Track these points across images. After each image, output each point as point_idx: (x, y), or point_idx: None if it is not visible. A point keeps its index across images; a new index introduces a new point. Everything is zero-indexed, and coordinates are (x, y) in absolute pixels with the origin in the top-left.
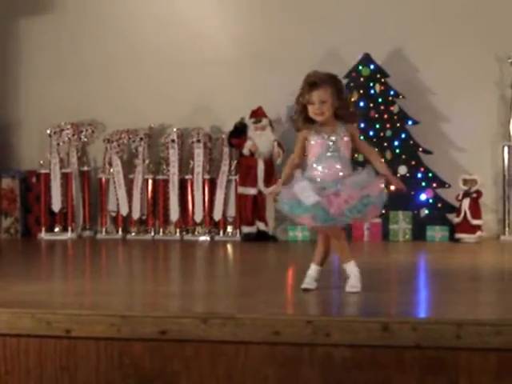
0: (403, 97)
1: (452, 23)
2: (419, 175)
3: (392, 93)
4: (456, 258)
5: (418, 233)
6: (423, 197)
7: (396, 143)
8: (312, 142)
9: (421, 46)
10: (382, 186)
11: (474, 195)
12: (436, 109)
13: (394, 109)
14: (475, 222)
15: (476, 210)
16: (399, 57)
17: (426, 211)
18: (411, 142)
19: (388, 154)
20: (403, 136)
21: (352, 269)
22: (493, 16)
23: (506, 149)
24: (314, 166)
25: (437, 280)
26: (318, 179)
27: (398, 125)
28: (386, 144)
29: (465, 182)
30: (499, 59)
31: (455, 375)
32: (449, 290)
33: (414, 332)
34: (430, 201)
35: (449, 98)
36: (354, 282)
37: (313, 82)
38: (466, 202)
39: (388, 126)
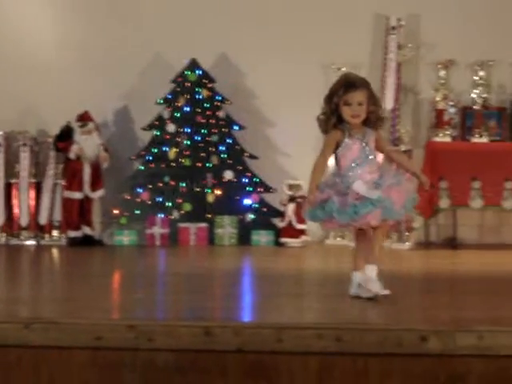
0: (230, 102)
1: (277, 29)
2: (245, 180)
3: (218, 98)
4: (280, 263)
5: (244, 237)
6: (248, 201)
7: (222, 148)
8: (347, 145)
9: (247, 51)
10: (411, 183)
11: (299, 200)
12: (262, 114)
13: (221, 114)
14: (300, 226)
15: (300, 215)
16: (226, 62)
17: (252, 216)
18: (237, 147)
19: (214, 159)
20: (229, 141)
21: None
22: (318, 24)
23: None
24: (356, 169)
25: (260, 284)
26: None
27: (225, 130)
28: (212, 149)
29: (290, 187)
30: (324, 66)
31: (276, 379)
32: (272, 294)
33: (235, 336)
34: (256, 205)
35: (274, 103)
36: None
37: (352, 83)
38: (290, 207)
39: (214, 131)
